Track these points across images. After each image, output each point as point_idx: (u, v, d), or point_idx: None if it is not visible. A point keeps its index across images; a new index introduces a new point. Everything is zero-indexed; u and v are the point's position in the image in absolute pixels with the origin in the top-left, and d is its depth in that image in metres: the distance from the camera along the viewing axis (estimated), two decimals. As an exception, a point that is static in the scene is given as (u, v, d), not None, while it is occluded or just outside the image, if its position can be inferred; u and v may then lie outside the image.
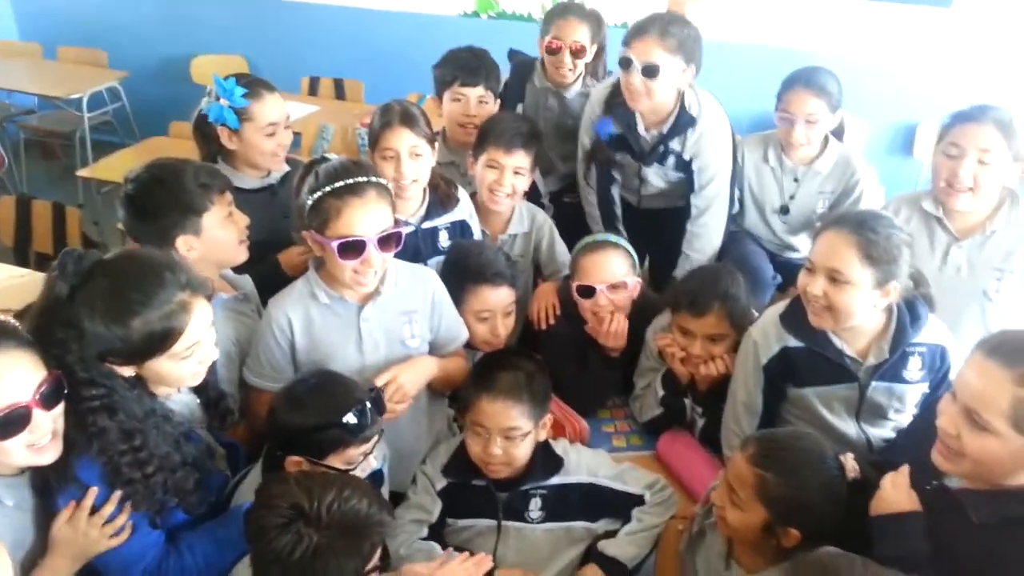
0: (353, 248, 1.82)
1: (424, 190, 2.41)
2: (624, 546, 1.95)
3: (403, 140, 2.28)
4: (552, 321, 2.52)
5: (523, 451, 1.92)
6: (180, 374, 1.59)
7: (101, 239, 3.99)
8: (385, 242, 1.85)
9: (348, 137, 4.35)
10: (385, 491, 1.97)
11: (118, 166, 4.05)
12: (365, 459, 1.72)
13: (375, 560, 1.47)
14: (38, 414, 1.39)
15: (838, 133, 2.84)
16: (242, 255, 2.05)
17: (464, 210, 2.50)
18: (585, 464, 2.03)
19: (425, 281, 2.07)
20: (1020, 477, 1.46)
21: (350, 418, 1.66)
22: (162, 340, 1.52)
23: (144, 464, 1.52)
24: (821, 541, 1.56)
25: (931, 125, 4.52)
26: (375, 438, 1.73)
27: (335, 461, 1.68)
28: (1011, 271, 2.24)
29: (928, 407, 1.86)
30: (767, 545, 1.68)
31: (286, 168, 2.52)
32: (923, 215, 2.32)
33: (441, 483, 2.00)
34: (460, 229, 2.48)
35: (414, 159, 2.30)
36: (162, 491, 1.55)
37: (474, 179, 2.62)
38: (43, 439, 1.42)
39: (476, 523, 1.99)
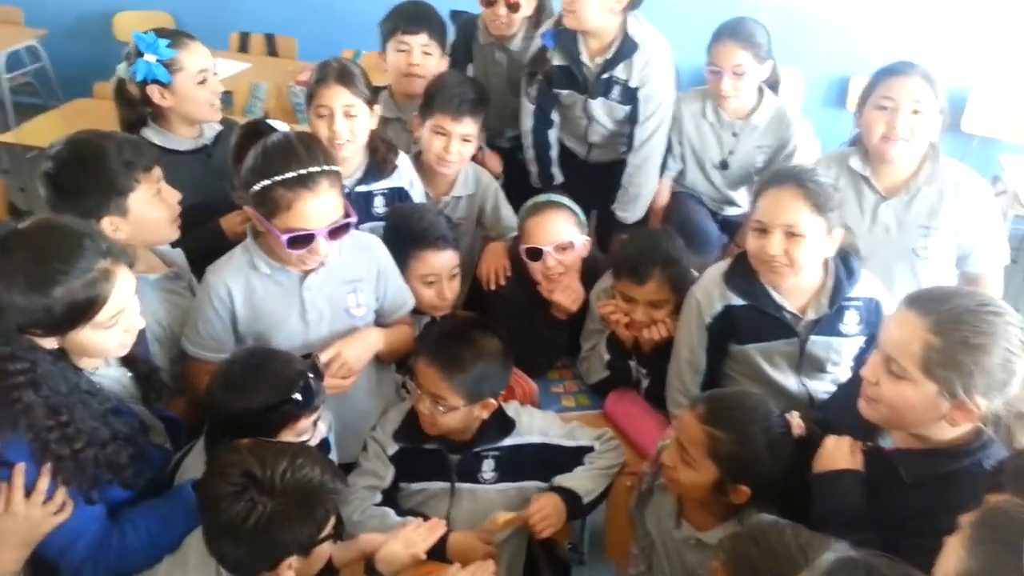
0: (302, 241, 1.78)
1: (363, 151, 2.36)
2: (578, 480, 2.00)
3: (338, 98, 2.23)
4: (502, 283, 2.51)
5: (449, 420, 1.90)
6: (105, 344, 1.54)
7: (28, 206, 3.82)
8: (335, 233, 1.81)
9: (282, 96, 4.24)
10: (333, 459, 1.94)
11: (42, 130, 3.90)
12: (315, 427, 1.71)
13: (329, 527, 1.48)
14: None
15: (774, 86, 2.86)
16: (173, 234, 1.96)
17: (403, 177, 2.46)
18: (537, 425, 2.06)
19: (370, 249, 2.04)
20: (940, 430, 1.51)
21: (298, 393, 1.64)
22: (85, 309, 1.46)
23: (72, 439, 1.47)
24: (769, 497, 1.64)
25: (863, 79, 4.57)
26: (321, 407, 1.72)
27: (287, 436, 1.65)
28: (937, 228, 2.29)
29: (862, 362, 1.89)
30: (717, 503, 1.72)
31: (219, 127, 2.44)
32: (851, 174, 2.35)
33: (393, 448, 2.00)
34: (398, 196, 2.44)
35: (349, 119, 2.25)
36: (93, 466, 1.50)
37: (419, 139, 2.58)
38: None
39: (429, 486, 2.01)
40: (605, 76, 2.77)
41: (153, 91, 2.27)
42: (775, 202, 1.92)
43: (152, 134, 2.33)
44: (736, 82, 2.71)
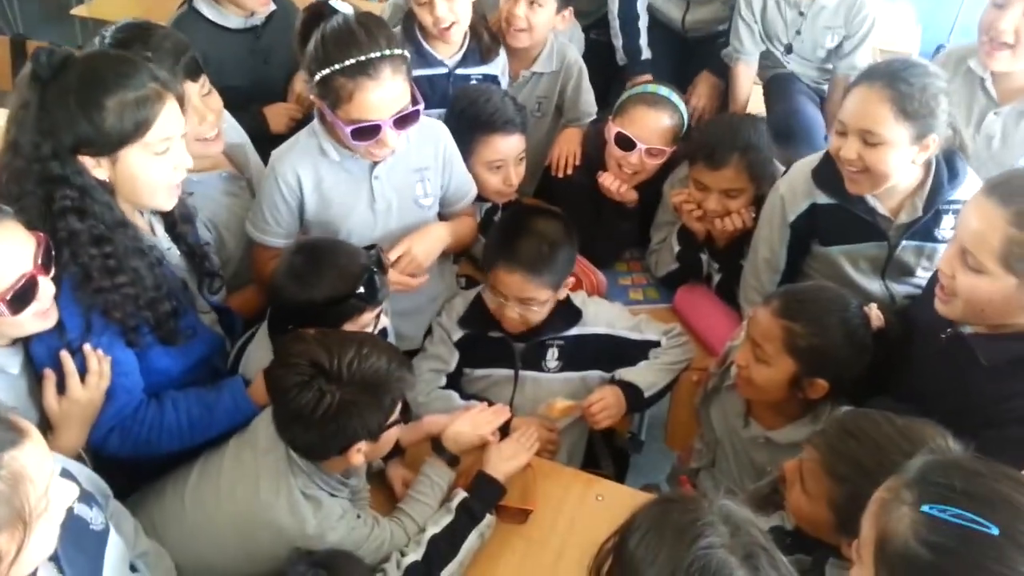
0: (368, 132, 1.72)
1: (465, 34, 2.28)
2: (641, 373, 1.99)
3: None
4: (570, 171, 2.43)
5: (540, 315, 1.91)
6: (154, 176, 1.49)
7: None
8: (401, 122, 1.74)
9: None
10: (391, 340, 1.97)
11: (116, 3, 3.82)
12: (378, 320, 1.71)
13: (396, 413, 1.51)
14: (42, 280, 1.35)
15: None
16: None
17: (499, 65, 2.37)
18: (603, 316, 2.04)
19: (437, 137, 1.97)
20: (1014, 318, 1.46)
21: (362, 287, 1.64)
22: (136, 124, 1.43)
23: (115, 272, 1.46)
24: (845, 391, 1.62)
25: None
26: (386, 300, 1.72)
27: (351, 327, 1.65)
28: None
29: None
30: (791, 401, 1.70)
31: (272, 7, 2.35)
32: (967, 74, 2.14)
33: (458, 334, 2.02)
34: (492, 83, 2.35)
35: (449, 1, 2.15)
36: (133, 304, 1.48)
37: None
38: (47, 303, 1.39)
39: (493, 372, 2.03)
40: None
41: None
42: (859, 102, 1.76)
43: (203, 5, 2.28)
44: None
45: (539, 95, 2.58)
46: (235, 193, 1.97)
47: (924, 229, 1.90)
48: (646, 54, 2.90)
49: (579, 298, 2.05)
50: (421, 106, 1.78)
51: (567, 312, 2.00)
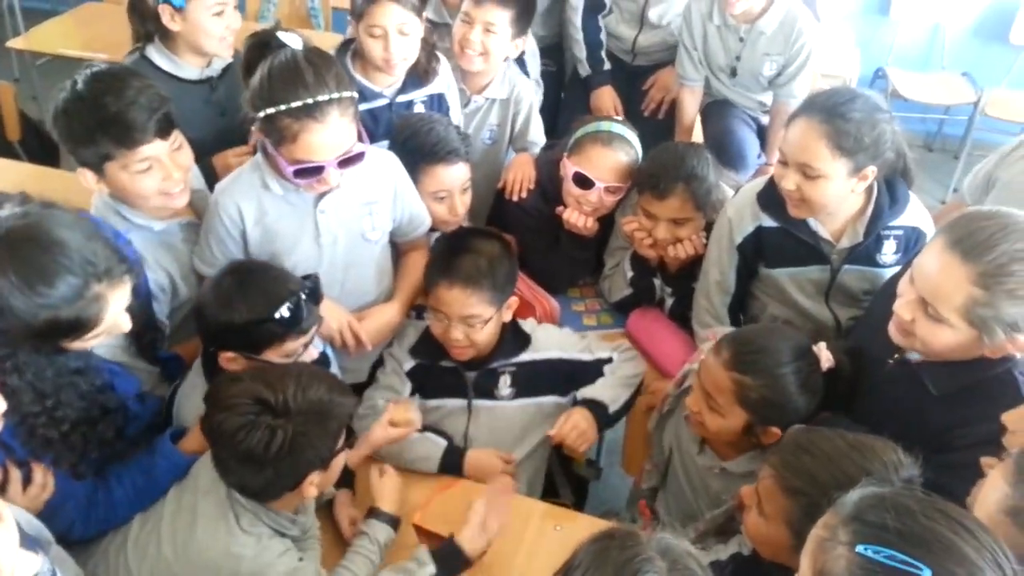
0: (311, 172, 1.70)
1: None
2: (602, 389, 1.98)
3: (393, 17, 2.10)
4: (524, 195, 2.42)
5: (485, 335, 1.90)
6: (84, 347, 1.45)
7: (40, 115, 3.76)
8: (345, 163, 1.72)
9: (297, 2, 4.09)
10: (335, 371, 1.95)
11: (53, 36, 3.79)
12: (305, 350, 1.67)
13: (343, 439, 1.49)
14: None
15: None
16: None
17: (443, 82, 2.36)
18: (554, 340, 2.04)
19: (387, 169, 1.96)
20: (975, 355, 1.46)
21: (283, 312, 1.59)
22: (68, 331, 1.36)
23: (61, 422, 1.43)
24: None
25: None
26: (313, 329, 1.67)
27: (272, 356, 1.62)
28: None
29: (890, 282, 1.82)
30: (745, 440, 1.70)
31: (228, 59, 2.28)
32: None
33: (409, 363, 2.00)
34: (437, 102, 2.35)
35: (403, 37, 2.13)
36: (82, 445, 1.48)
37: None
38: None
39: (446, 403, 2.01)
40: None
41: (164, 11, 2.11)
42: (797, 136, 1.77)
43: (156, 53, 2.20)
44: None
45: (491, 123, 2.58)
46: (194, 240, 1.92)
47: (865, 254, 1.92)
48: (608, 65, 2.97)
49: (528, 324, 2.05)
50: (366, 145, 1.77)
51: (516, 337, 1.99)
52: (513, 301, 1.97)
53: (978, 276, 1.37)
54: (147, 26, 2.19)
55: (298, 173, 1.70)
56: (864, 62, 4.13)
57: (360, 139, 1.75)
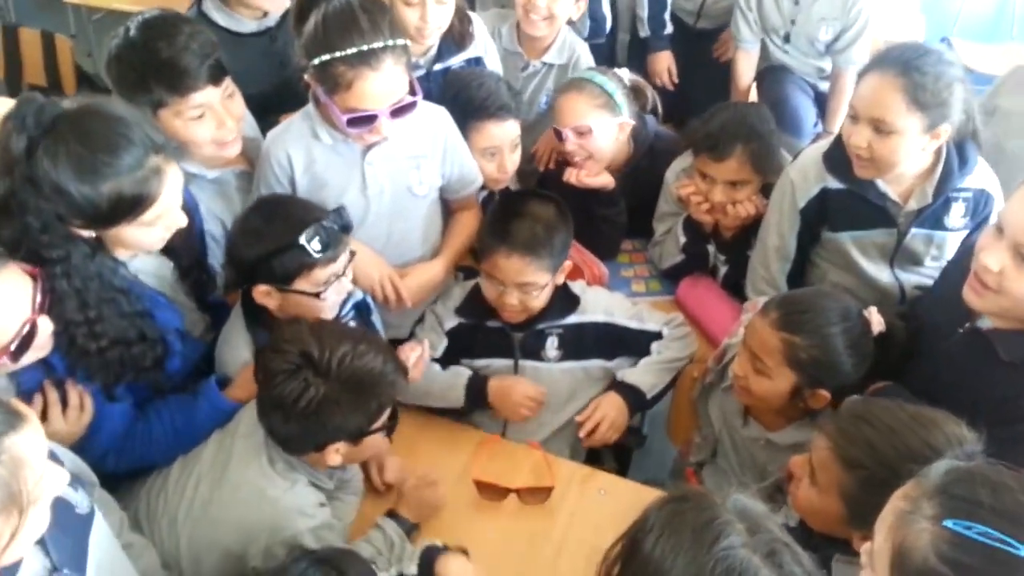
0: (364, 121, 1.68)
1: None
2: (642, 374, 1.95)
3: None
4: (552, 165, 2.40)
5: (539, 301, 1.88)
6: (143, 240, 1.48)
7: (96, 70, 3.79)
8: (398, 113, 1.70)
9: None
10: (376, 321, 1.95)
11: (108, -10, 3.80)
12: (338, 280, 1.64)
13: (382, 419, 1.46)
14: (41, 322, 1.32)
15: None
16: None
17: (479, 45, 2.31)
18: (602, 303, 2.00)
19: (437, 123, 1.92)
20: None
21: (307, 237, 1.57)
22: (132, 207, 1.38)
23: (99, 336, 1.43)
24: (848, 395, 1.56)
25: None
26: (342, 257, 1.64)
27: (303, 285, 1.61)
28: None
29: (964, 252, 1.77)
30: (791, 407, 1.66)
31: (286, 4, 2.23)
32: None
33: (452, 322, 1.98)
34: (476, 66, 2.29)
35: (440, 5, 2.08)
36: (118, 364, 1.48)
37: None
38: (46, 344, 1.36)
39: (492, 363, 1.99)
40: None
41: None
42: (871, 90, 1.72)
43: (213, 9, 2.18)
44: None
45: (549, 87, 2.53)
46: (247, 189, 1.92)
47: (933, 217, 1.87)
48: (669, 28, 2.90)
49: (577, 286, 2.01)
50: (419, 96, 1.74)
51: (565, 299, 1.96)
52: (567, 265, 1.94)
53: None
54: None
55: (351, 122, 1.68)
56: (929, 31, 3.97)
57: (412, 90, 1.72)
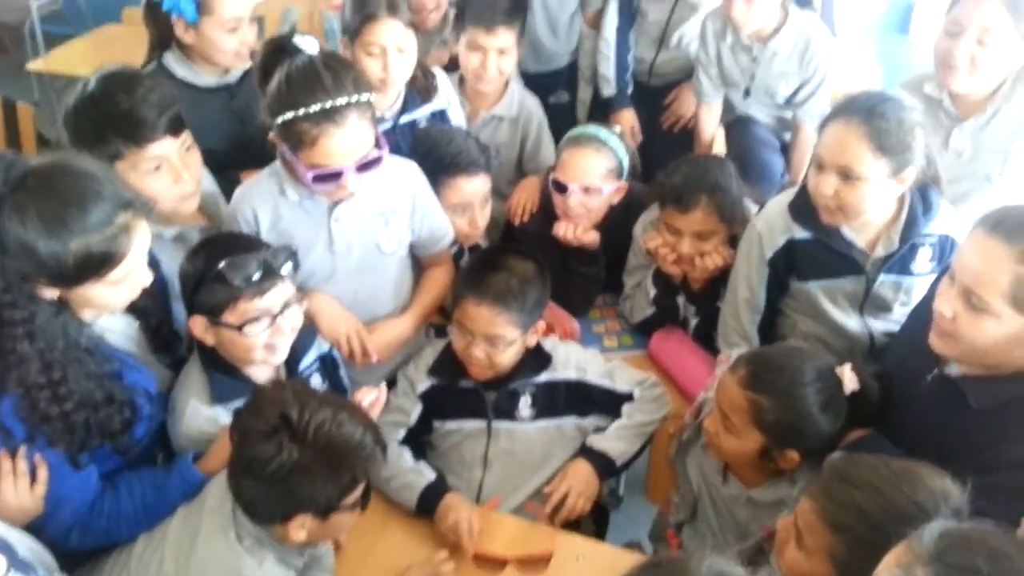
0: (330, 178, 1.67)
1: None
2: (613, 440, 1.91)
3: (390, 34, 2.08)
4: (526, 219, 2.41)
5: (506, 357, 1.85)
6: (109, 300, 1.44)
7: (58, 137, 3.77)
8: (364, 168, 1.70)
9: (315, 23, 4.10)
10: (344, 375, 1.94)
11: (71, 57, 3.85)
12: (273, 320, 1.60)
13: (355, 494, 1.41)
14: None
15: (802, 2, 2.60)
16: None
17: (443, 97, 2.33)
18: (574, 360, 1.97)
19: (406, 178, 1.92)
20: (1013, 359, 1.45)
21: (227, 265, 1.55)
22: (100, 264, 1.36)
23: (63, 400, 1.38)
24: (821, 457, 1.54)
25: (928, 2, 4.31)
26: (273, 294, 1.60)
27: (230, 318, 1.58)
28: (1013, 152, 2.11)
29: (928, 297, 1.77)
30: (763, 465, 1.64)
31: (248, 63, 2.25)
32: (925, 99, 2.16)
33: (424, 385, 1.94)
34: (440, 119, 2.32)
35: (401, 54, 2.10)
36: (83, 430, 1.42)
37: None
38: None
39: (464, 424, 1.95)
40: None
41: (178, 24, 2.13)
42: (836, 137, 1.75)
43: (173, 62, 2.20)
44: (749, 6, 2.44)
45: (499, 140, 2.55)
46: None
47: (900, 263, 1.89)
48: (631, 88, 2.95)
49: (549, 342, 1.99)
50: (385, 151, 1.74)
51: (537, 357, 1.93)
52: (540, 326, 1.91)
53: (1020, 254, 1.36)
54: (162, 32, 2.18)
55: (317, 179, 1.68)
56: (886, 80, 4.08)
57: (378, 144, 1.72)
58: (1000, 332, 1.40)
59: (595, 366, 1.99)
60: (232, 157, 2.12)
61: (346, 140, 1.64)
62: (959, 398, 1.50)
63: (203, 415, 1.64)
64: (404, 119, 2.23)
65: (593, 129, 2.30)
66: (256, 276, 1.58)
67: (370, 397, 1.68)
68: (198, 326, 1.61)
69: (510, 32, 2.37)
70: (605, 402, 1.96)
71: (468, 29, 2.35)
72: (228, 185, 2.04)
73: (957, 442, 1.47)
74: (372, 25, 2.07)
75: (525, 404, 1.92)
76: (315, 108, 1.60)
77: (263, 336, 1.61)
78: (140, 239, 1.41)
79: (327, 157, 1.64)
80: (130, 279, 1.43)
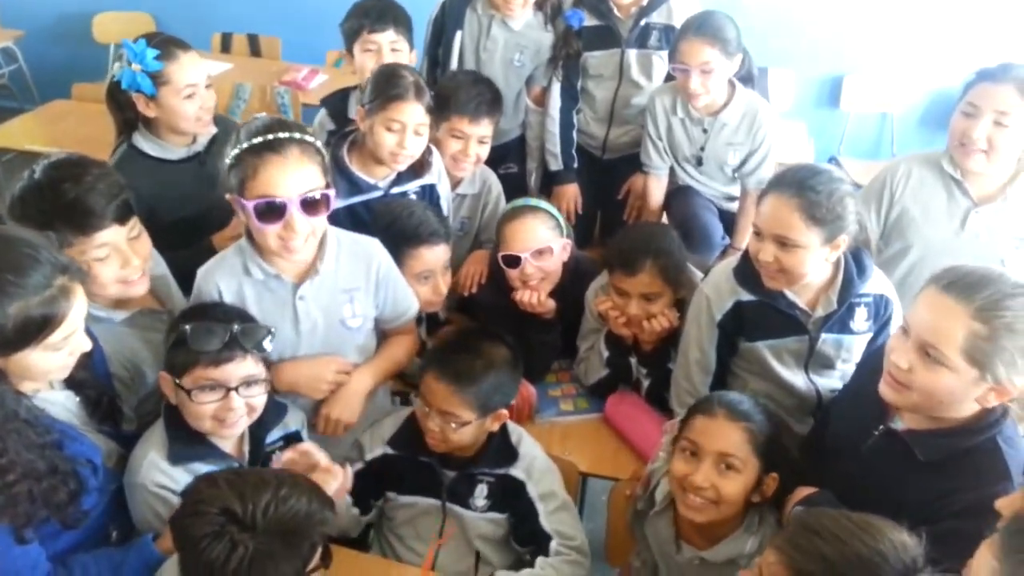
0: (272, 211, 1.66)
1: None
2: None
3: (414, 115, 2.18)
4: (475, 289, 2.47)
5: (460, 435, 1.82)
6: (48, 367, 1.44)
7: (4, 212, 3.70)
8: (309, 205, 1.68)
9: (267, 97, 4.16)
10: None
11: (19, 132, 3.81)
12: (226, 393, 1.62)
13: (316, 559, 1.38)
14: None
15: (747, 79, 2.76)
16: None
17: (435, 173, 2.40)
18: (537, 468, 1.90)
19: (369, 256, 1.93)
20: (959, 410, 1.52)
21: (191, 329, 1.60)
22: (39, 328, 1.36)
23: (5, 471, 1.35)
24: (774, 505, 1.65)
25: (857, 78, 4.59)
26: (233, 369, 1.63)
27: (186, 381, 1.62)
28: None
29: (871, 354, 1.88)
30: (730, 517, 1.68)
31: (213, 130, 2.33)
32: (941, 176, 2.27)
33: (377, 452, 1.92)
34: (429, 193, 2.38)
35: (418, 136, 2.20)
36: (27, 501, 1.38)
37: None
38: None
39: (419, 501, 1.93)
40: (642, 24, 2.81)
41: (139, 100, 2.19)
42: (771, 208, 1.85)
43: (142, 140, 2.25)
44: (704, 80, 2.57)
45: (463, 216, 2.64)
46: (155, 328, 1.88)
47: (840, 322, 1.97)
48: (577, 162, 3.06)
49: (516, 434, 1.94)
50: (332, 192, 1.75)
51: (503, 449, 1.89)
52: (502, 414, 1.88)
53: (976, 311, 1.43)
54: (127, 114, 2.23)
55: (260, 214, 1.66)
56: (818, 151, 4.29)
57: (328, 187, 1.74)
58: (954, 383, 1.47)
59: (549, 484, 1.89)
60: (208, 223, 2.17)
61: (286, 169, 1.65)
62: (906, 451, 1.56)
63: (160, 467, 1.64)
64: (395, 190, 2.30)
65: (521, 200, 2.42)
66: (216, 346, 1.59)
67: (335, 484, 1.64)
68: (166, 382, 1.64)
69: (491, 123, 2.51)
70: (523, 516, 1.88)
71: (451, 117, 2.46)
72: (202, 251, 2.06)
73: (905, 492, 1.52)
74: (398, 104, 2.17)
75: (481, 494, 1.89)
76: (257, 140, 1.65)
77: (211, 406, 1.62)
78: (78, 303, 1.42)
79: (267, 186, 1.64)
80: (69, 344, 1.42)
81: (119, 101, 2.22)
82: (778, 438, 1.69)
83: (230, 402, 1.63)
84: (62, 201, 1.63)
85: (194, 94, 2.22)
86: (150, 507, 1.64)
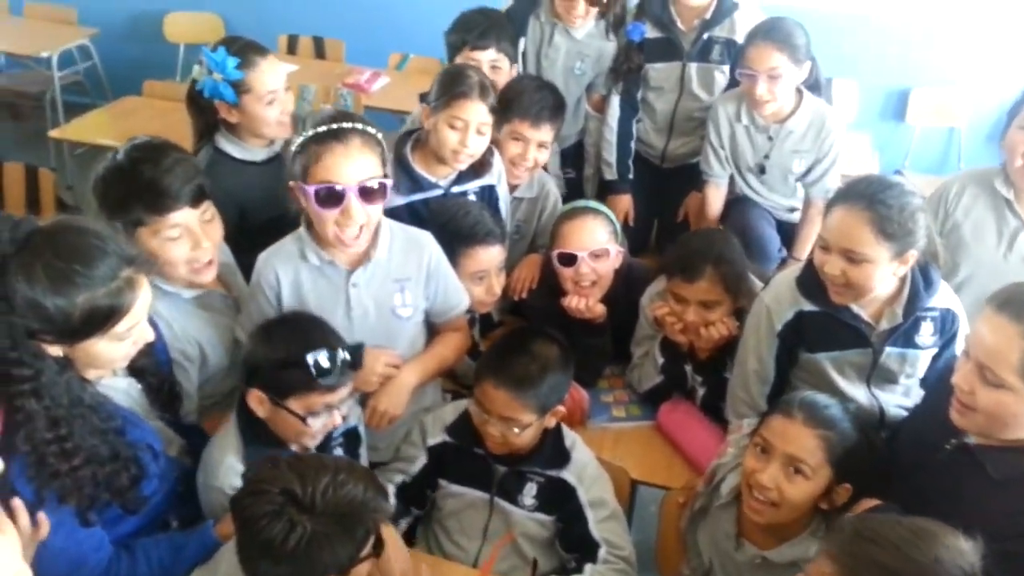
0: (331, 197, 1.71)
1: None
2: None
3: (477, 114, 2.20)
4: (525, 294, 2.47)
5: (521, 439, 1.83)
6: (113, 355, 1.46)
7: (76, 203, 3.84)
8: (367, 193, 1.73)
9: (331, 98, 4.23)
10: (363, 452, 1.95)
11: (91, 127, 3.93)
12: (330, 412, 1.66)
13: (369, 546, 1.40)
14: None
15: (814, 88, 2.71)
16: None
17: (494, 174, 2.42)
18: (588, 475, 1.90)
19: (421, 247, 1.96)
20: None
21: (315, 358, 1.61)
22: (105, 318, 1.39)
23: (71, 455, 1.39)
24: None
25: (924, 91, 4.49)
26: (343, 392, 1.67)
27: (295, 405, 1.64)
28: None
29: (943, 368, 1.85)
30: (808, 513, 1.67)
31: (289, 131, 2.32)
32: (992, 195, 2.22)
33: (437, 439, 1.94)
34: (488, 193, 2.39)
35: (480, 135, 2.22)
36: (91, 484, 1.42)
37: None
38: None
39: (468, 492, 1.94)
40: (705, 37, 2.80)
41: (221, 107, 2.22)
42: (840, 222, 1.81)
43: (225, 143, 2.28)
44: (772, 86, 2.54)
45: (519, 219, 2.65)
46: (221, 310, 1.93)
47: (905, 336, 1.92)
48: (632, 173, 3.04)
49: (570, 438, 1.94)
50: (390, 182, 1.79)
51: (556, 450, 1.90)
52: (560, 410, 1.90)
53: None
54: (208, 118, 2.26)
55: (320, 198, 1.72)
56: (882, 165, 4.20)
57: (386, 178, 1.77)
58: (1017, 405, 1.44)
59: (599, 491, 1.90)
60: (293, 224, 2.16)
61: (348, 157, 1.71)
62: (977, 467, 1.53)
63: (237, 471, 1.67)
64: (455, 189, 2.32)
65: (582, 202, 2.42)
66: (336, 378, 1.64)
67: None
68: (254, 399, 1.66)
69: (552, 128, 2.51)
70: (571, 521, 1.88)
71: (514, 120, 2.46)
72: None
73: (972, 509, 1.48)
74: (462, 102, 2.19)
75: (530, 492, 1.89)
76: (321, 129, 1.71)
77: (319, 425, 1.67)
78: (143, 294, 1.44)
79: (328, 172, 1.70)
80: (133, 334, 1.45)
81: (200, 105, 2.25)
82: (861, 450, 1.64)
83: (334, 420, 1.69)
84: (139, 182, 1.68)
85: (275, 100, 2.25)
86: (226, 509, 1.65)
